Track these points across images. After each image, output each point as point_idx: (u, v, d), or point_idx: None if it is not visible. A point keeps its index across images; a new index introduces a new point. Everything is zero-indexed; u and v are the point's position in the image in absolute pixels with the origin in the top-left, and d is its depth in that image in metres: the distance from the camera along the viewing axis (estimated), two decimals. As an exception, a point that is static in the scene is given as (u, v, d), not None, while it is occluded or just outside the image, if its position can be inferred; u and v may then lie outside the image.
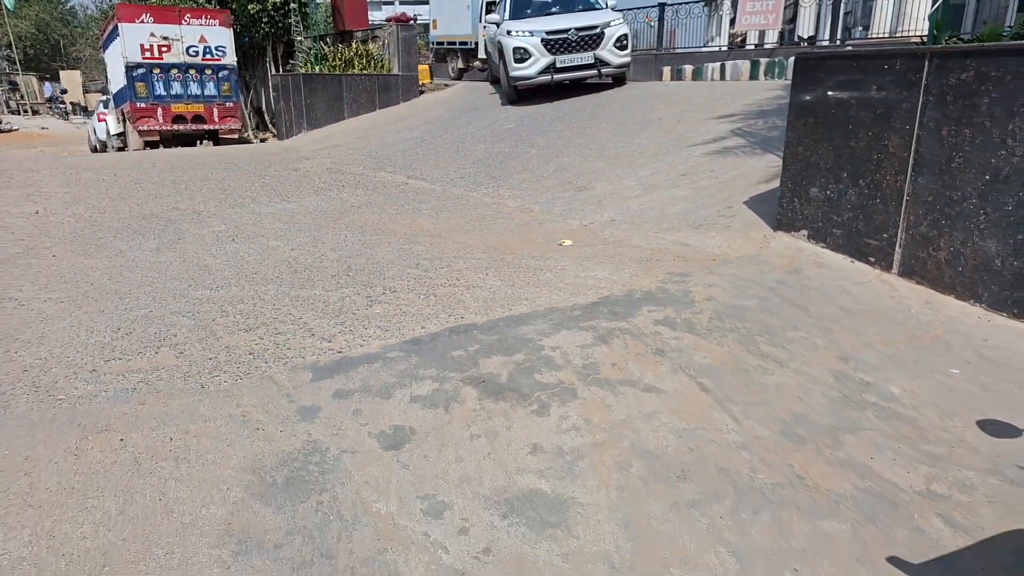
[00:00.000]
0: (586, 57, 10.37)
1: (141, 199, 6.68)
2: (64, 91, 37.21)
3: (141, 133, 14.98)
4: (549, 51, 10.41)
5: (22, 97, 36.98)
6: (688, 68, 12.24)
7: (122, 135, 16.21)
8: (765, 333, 3.17)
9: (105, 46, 17.96)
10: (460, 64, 17.67)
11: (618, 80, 11.16)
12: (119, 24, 14.77)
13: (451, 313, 3.32)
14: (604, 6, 11.23)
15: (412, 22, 16.28)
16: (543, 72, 10.48)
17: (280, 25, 17.85)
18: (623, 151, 7.42)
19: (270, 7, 17.39)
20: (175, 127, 15.23)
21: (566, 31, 10.38)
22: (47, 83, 39.62)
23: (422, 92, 14.96)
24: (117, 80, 16.21)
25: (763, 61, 11.06)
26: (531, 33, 10.49)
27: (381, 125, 12.55)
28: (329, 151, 10.78)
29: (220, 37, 15.64)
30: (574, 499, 2.07)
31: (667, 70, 12.69)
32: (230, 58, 15.81)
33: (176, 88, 15.13)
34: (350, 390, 2.53)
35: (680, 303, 3.42)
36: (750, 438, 2.42)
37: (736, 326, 3.21)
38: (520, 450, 2.27)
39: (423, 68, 16.00)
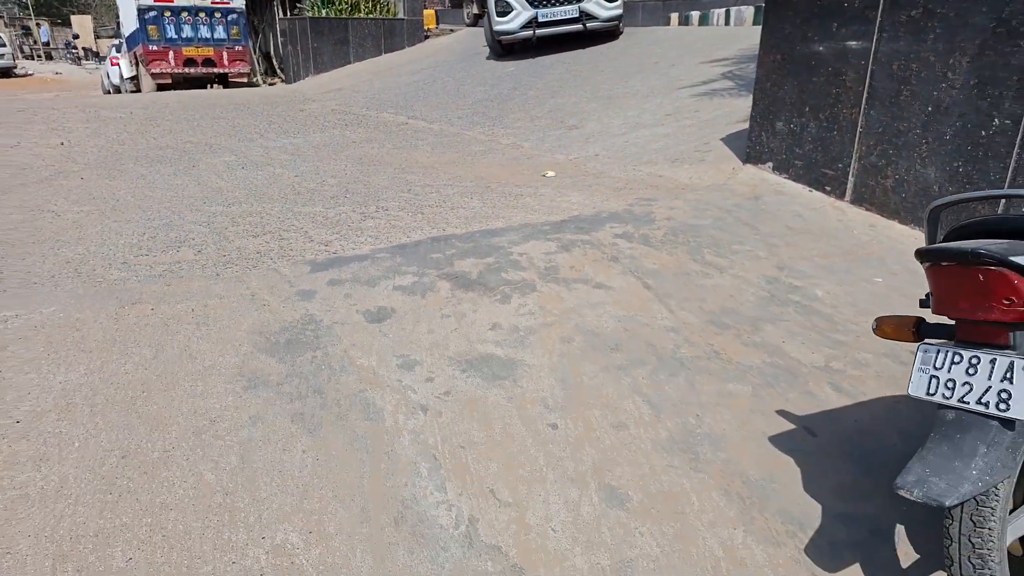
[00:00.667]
0: (570, 10, 9.85)
1: (157, 134, 7.08)
2: (76, 36, 37.23)
3: (154, 76, 15.27)
4: (531, 4, 9.99)
5: (35, 42, 37.06)
6: (695, 14, 12.31)
7: (135, 78, 16.51)
8: (713, 246, 3.58)
9: (116, -12, 18.05)
10: (475, 10, 17.67)
11: (611, 34, 10.79)
12: (130, -35, 14.91)
13: (435, 227, 3.74)
14: None
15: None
16: (525, 26, 10.05)
17: (288, -33, 17.85)
18: (616, 92, 7.69)
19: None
20: (186, 70, 15.50)
21: None
22: (43, 27, 39.38)
23: (427, 37, 15.09)
24: (129, 23, 16.42)
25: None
26: None
27: (385, 69, 12.77)
28: (334, 94, 11.07)
29: (229, -21, 15.74)
30: (522, 361, 2.52)
31: (675, 16, 12.76)
32: (239, 1, 15.93)
33: (187, 31, 15.34)
34: (342, 280, 2.98)
35: (641, 221, 3.82)
36: (680, 324, 2.85)
37: (688, 240, 3.61)
38: (482, 327, 2.71)
39: (428, 13, 16.08)
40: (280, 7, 19.17)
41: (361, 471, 1.96)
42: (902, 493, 1.40)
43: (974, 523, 1.41)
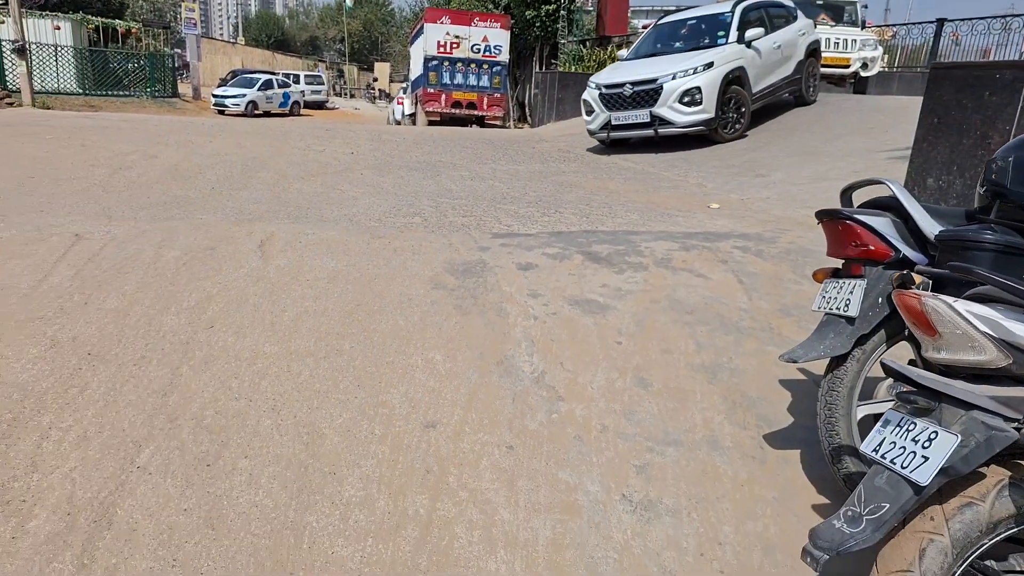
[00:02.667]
0: (641, 115, 9.29)
1: (418, 153, 9.23)
2: (375, 79, 45.12)
3: (427, 113, 18.61)
4: (606, 106, 9.64)
5: (345, 83, 45.61)
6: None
7: (413, 115, 20.17)
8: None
9: (412, 41, 22.29)
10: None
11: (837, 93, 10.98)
12: (424, 24, 18.54)
13: (591, 225, 4.93)
14: (731, 39, 9.38)
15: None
16: (603, 128, 9.75)
17: (549, 29, 20.51)
18: (817, 150, 8.22)
19: (543, 13, 20.11)
20: (452, 111, 18.62)
21: (621, 86, 9.42)
22: (320, 67, 45.46)
23: (662, 93, 16.37)
24: (416, 70, 20.20)
25: None
26: (595, 86, 9.81)
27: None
28: (565, 137, 12.80)
29: (499, 38, 18.71)
30: (614, 307, 3.58)
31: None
32: (504, 56, 18.81)
33: (458, 78, 18.50)
34: (509, 244, 4.30)
35: (764, 241, 4.62)
36: (753, 307, 3.69)
37: (796, 259, 4.34)
38: (594, 284, 3.82)
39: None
40: (538, 62, 21.98)
41: (486, 337, 3.20)
42: (781, 359, 2.26)
43: (828, 387, 2.23)
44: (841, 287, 2.24)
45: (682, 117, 9.01)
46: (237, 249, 3.87)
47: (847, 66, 13.35)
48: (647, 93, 9.18)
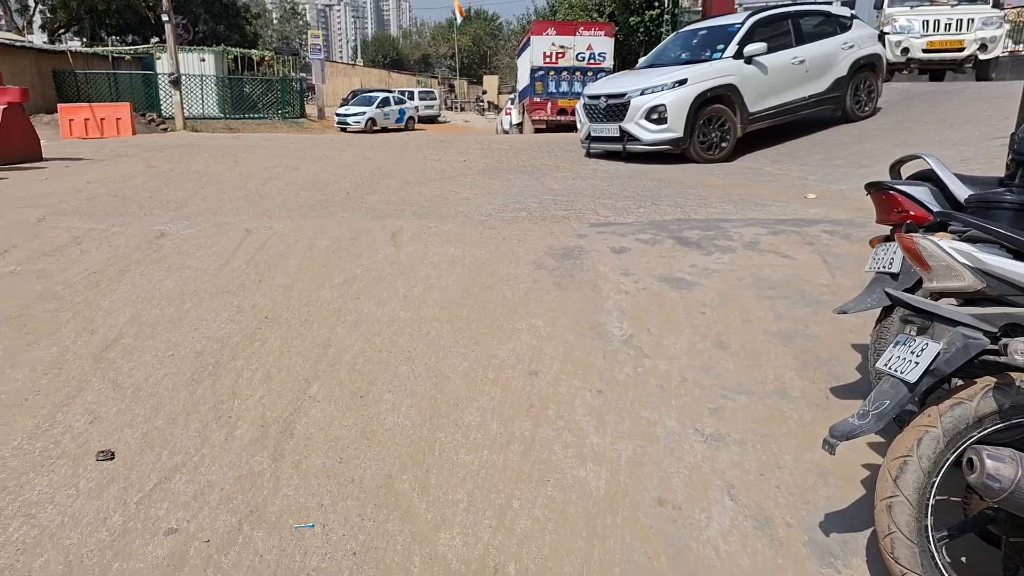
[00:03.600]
0: (612, 129, 9.10)
1: (524, 158, 9.88)
2: (484, 92, 46.70)
3: (534, 121, 19.34)
4: (588, 117, 9.56)
5: (456, 97, 47.54)
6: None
7: (520, 124, 20.98)
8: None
9: (519, 54, 23.17)
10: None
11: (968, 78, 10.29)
12: (531, 36, 19.31)
13: (684, 214, 5.31)
14: (727, 54, 8.88)
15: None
16: (585, 139, 9.70)
17: (653, 34, 20.71)
18: (929, 140, 8.10)
19: (647, 19, 20.37)
20: (558, 118, 19.24)
21: (598, 98, 9.34)
22: (420, 86, 44.19)
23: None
24: (523, 80, 21.01)
25: None
26: (583, 96, 9.84)
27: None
28: (670, 137, 13.09)
29: (603, 45, 19.15)
30: (700, 284, 3.99)
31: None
32: (608, 63, 19.21)
33: (563, 87, 19.11)
34: (605, 232, 4.78)
35: (853, 226, 4.83)
36: (835, 284, 3.97)
37: (885, 240, 4.54)
38: (683, 264, 4.23)
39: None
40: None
41: (581, 307, 3.71)
42: (835, 312, 2.63)
43: (877, 335, 2.57)
44: (887, 249, 2.57)
45: (647, 134, 8.72)
46: (374, 239, 4.60)
47: (961, 49, 12.44)
48: (617, 107, 8.99)
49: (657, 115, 8.65)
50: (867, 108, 10.07)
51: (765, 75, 8.97)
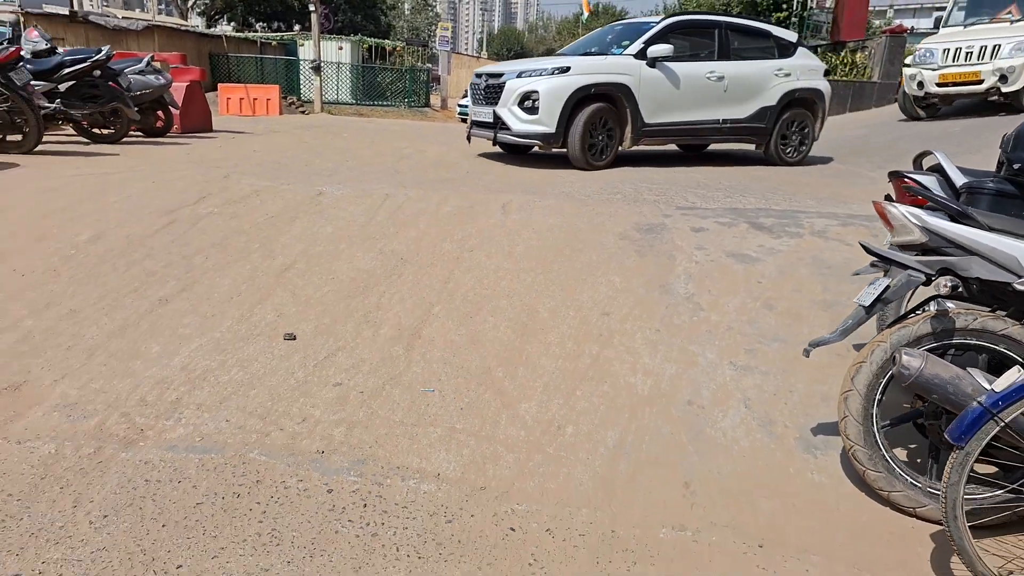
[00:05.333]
0: (487, 113, 8.17)
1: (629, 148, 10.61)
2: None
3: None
4: (473, 99, 8.73)
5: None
6: None
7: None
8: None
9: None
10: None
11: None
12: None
13: (766, 204, 5.94)
14: (630, 51, 7.88)
15: (906, 33, 17.14)
16: (472, 124, 8.73)
17: (781, 34, 20.65)
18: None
19: (773, 21, 20.33)
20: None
21: (480, 76, 8.50)
22: None
23: (895, 100, 15.95)
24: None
25: None
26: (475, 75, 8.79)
27: (841, 123, 14.38)
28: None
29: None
30: (763, 260, 4.66)
31: None
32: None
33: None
34: (688, 215, 5.52)
35: (924, 223, 5.29)
36: (887, 269, 4.53)
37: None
38: (752, 244, 4.92)
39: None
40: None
41: (654, 270, 4.50)
42: (854, 275, 3.30)
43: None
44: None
45: (518, 124, 7.70)
46: (487, 208, 5.58)
47: (979, 81, 10.97)
48: (495, 89, 8.04)
49: (530, 103, 7.62)
50: (795, 154, 9.03)
51: (670, 84, 8.01)
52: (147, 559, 2.21)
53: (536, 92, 7.56)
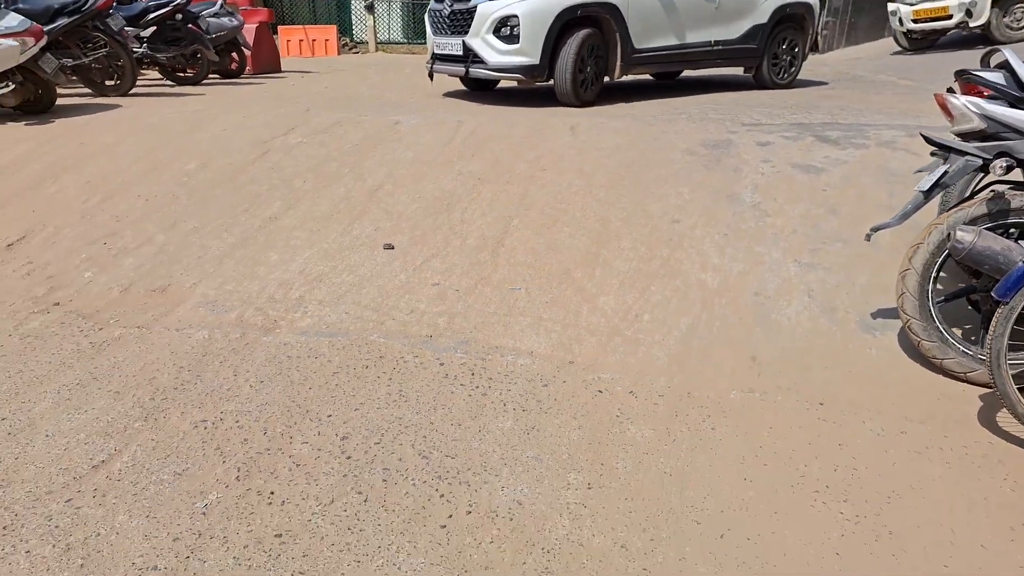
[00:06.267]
0: (455, 44, 7.03)
1: (692, 74, 10.59)
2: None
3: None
4: (432, 29, 7.52)
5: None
6: None
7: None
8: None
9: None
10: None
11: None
12: None
13: (831, 119, 6.03)
14: None
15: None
16: (431, 58, 7.64)
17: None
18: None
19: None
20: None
21: (440, 1, 7.26)
22: None
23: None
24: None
25: None
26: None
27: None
28: (849, 61, 13.02)
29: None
30: (827, 170, 4.84)
31: None
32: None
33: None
34: (753, 130, 5.68)
35: (995, 131, 5.33)
36: (953, 175, 4.65)
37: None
38: (818, 155, 5.08)
39: None
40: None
41: (721, 183, 4.74)
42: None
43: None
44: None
45: (495, 56, 6.75)
46: (556, 131, 5.86)
47: (948, 16, 11.84)
48: (462, 16, 6.95)
49: (508, 30, 6.61)
50: (785, 75, 8.57)
51: (660, 3, 7.28)
52: (302, 411, 2.72)
53: (515, 16, 6.57)
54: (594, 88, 7.15)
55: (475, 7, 6.75)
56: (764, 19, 7.99)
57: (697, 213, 4.39)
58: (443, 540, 2.10)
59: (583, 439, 2.57)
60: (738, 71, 9.03)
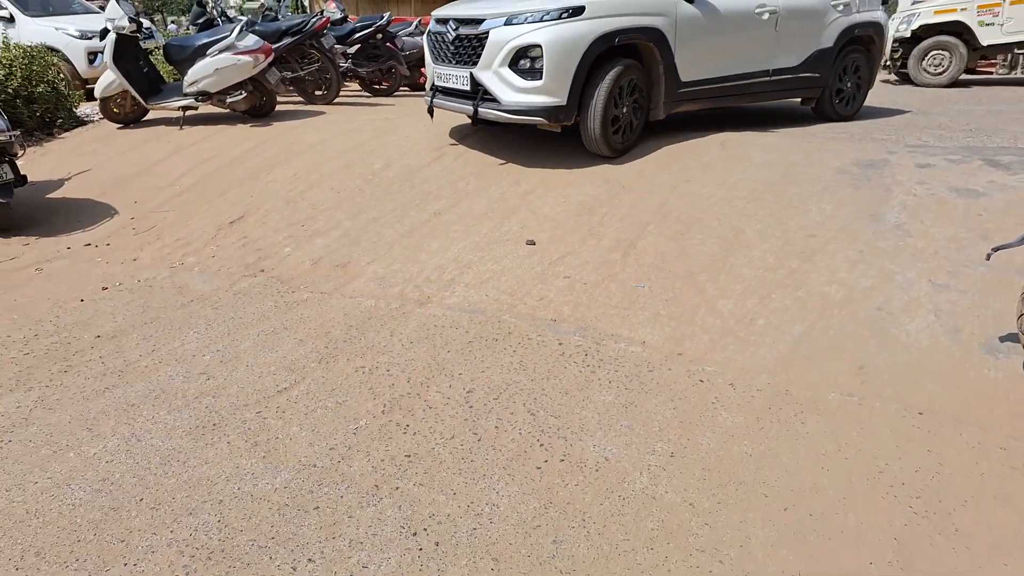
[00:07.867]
0: (461, 77, 5.74)
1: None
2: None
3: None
4: (432, 56, 6.24)
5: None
6: None
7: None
8: None
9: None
10: None
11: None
12: None
13: (1012, 144, 5.66)
14: None
15: None
16: (430, 89, 6.27)
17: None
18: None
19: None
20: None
21: (446, 23, 5.92)
22: None
23: None
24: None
25: None
26: (433, 21, 6.28)
27: None
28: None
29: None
30: (989, 195, 4.62)
31: None
32: None
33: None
34: (916, 151, 5.50)
35: None
36: None
37: None
38: (982, 179, 4.85)
39: None
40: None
41: (867, 201, 4.71)
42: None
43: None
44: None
45: (511, 94, 5.43)
46: (707, 145, 6.05)
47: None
48: (471, 42, 5.64)
49: (528, 62, 5.36)
50: (850, 106, 7.32)
51: (713, 26, 5.98)
52: (439, 367, 3.25)
53: (538, 46, 5.26)
54: (631, 134, 5.93)
55: (487, 33, 5.44)
56: (830, 43, 6.79)
57: (835, 229, 4.42)
58: (537, 478, 2.50)
59: (675, 417, 2.86)
60: (793, 101, 7.88)
